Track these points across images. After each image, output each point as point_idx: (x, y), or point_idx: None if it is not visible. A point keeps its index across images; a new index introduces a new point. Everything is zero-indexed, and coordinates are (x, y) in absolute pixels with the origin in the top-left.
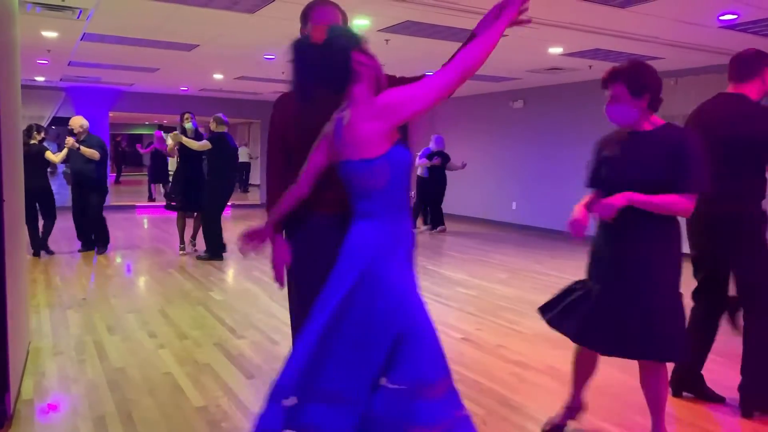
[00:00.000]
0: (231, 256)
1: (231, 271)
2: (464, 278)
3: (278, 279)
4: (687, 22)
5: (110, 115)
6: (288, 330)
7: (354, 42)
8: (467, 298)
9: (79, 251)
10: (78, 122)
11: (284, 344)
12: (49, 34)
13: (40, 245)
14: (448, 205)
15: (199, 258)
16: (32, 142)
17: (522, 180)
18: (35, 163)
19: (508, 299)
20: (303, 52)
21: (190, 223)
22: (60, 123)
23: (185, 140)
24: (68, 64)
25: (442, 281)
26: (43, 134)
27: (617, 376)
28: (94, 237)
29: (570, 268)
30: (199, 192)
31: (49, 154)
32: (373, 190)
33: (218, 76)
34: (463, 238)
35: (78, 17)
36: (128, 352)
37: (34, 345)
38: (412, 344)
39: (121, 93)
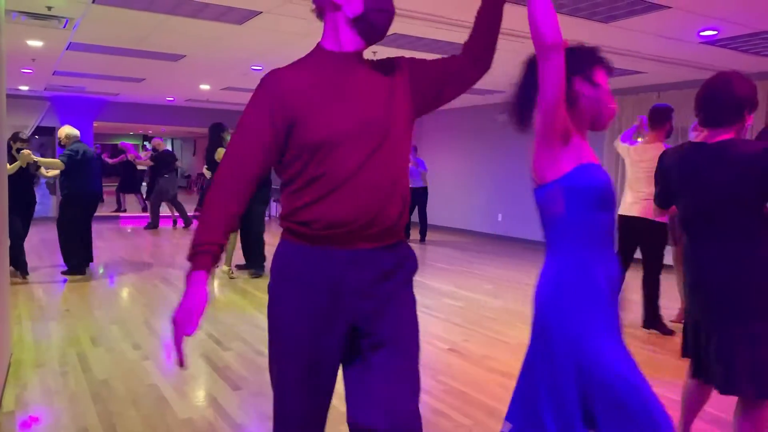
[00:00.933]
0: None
1: (216, 282)
2: (451, 289)
3: (180, 340)
4: (668, 38)
5: (94, 125)
6: None
7: (580, 66)
8: (454, 309)
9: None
10: (63, 132)
11: None
12: (35, 43)
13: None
14: (435, 217)
15: (239, 268)
16: (12, 152)
17: (507, 192)
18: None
19: (495, 310)
20: (532, 69)
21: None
22: (44, 133)
23: None
24: (53, 74)
25: (429, 292)
26: (19, 144)
27: None
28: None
29: None
30: None
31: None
32: (553, 218)
33: (205, 87)
34: (449, 250)
35: (64, 26)
36: (112, 363)
37: (15, 357)
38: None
39: (106, 103)
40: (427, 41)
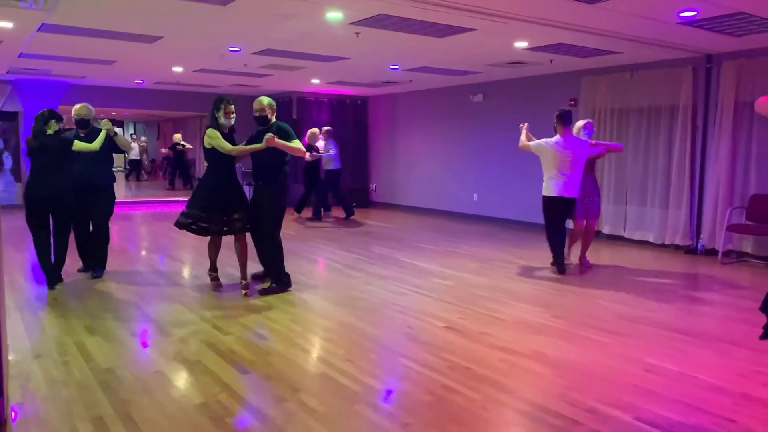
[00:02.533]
0: (197, 251)
1: (202, 267)
2: (438, 269)
3: None
4: (649, 18)
5: (60, 108)
6: (275, 325)
7: None
8: (445, 288)
9: (80, 271)
10: (91, 109)
11: (272, 339)
12: (4, 25)
13: (54, 274)
14: (412, 198)
15: (264, 293)
16: (49, 132)
17: (482, 172)
18: (56, 161)
19: (484, 288)
20: None
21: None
22: (6, 118)
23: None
24: (18, 56)
25: (418, 273)
26: (62, 123)
27: (602, 360)
28: (95, 255)
29: (535, 257)
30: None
31: (81, 144)
32: None
33: (177, 69)
34: (429, 231)
35: (39, 7)
36: (113, 352)
37: (11, 348)
38: None
39: (71, 86)
40: (412, 22)
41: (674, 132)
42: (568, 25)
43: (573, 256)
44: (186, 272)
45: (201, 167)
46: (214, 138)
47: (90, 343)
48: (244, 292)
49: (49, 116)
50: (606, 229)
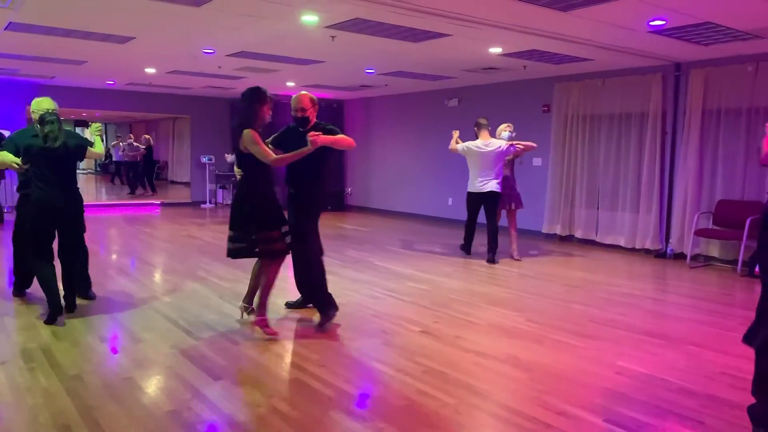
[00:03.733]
0: (169, 254)
1: (174, 272)
2: (413, 273)
3: None
4: (620, 26)
5: (26, 109)
6: (247, 330)
7: None
8: (419, 292)
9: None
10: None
11: (245, 344)
12: None
13: (70, 301)
14: (387, 202)
15: (320, 329)
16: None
17: (457, 176)
18: (68, 169)
19: (458, 292)
20: None
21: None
22: None
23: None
24: None
25: (393, 276)
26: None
27: (574, 363)
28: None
29: (509, 261)
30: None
31: (93, 151)
32: None
33: (150, 70)
34: (404, 234)
35: (6, 5)
36: (81, 358)
37: None
38: None
39: (39, 86)
40: (387, 26)
41: (644, 138)
42: (542, 32)
43: (515, 251)
44: (157, 276)
45: (172, 170)
46: (252, 144)
47: (57, 348)
48: (244, 315)
49: (58, 118)
50: (578, 234)
